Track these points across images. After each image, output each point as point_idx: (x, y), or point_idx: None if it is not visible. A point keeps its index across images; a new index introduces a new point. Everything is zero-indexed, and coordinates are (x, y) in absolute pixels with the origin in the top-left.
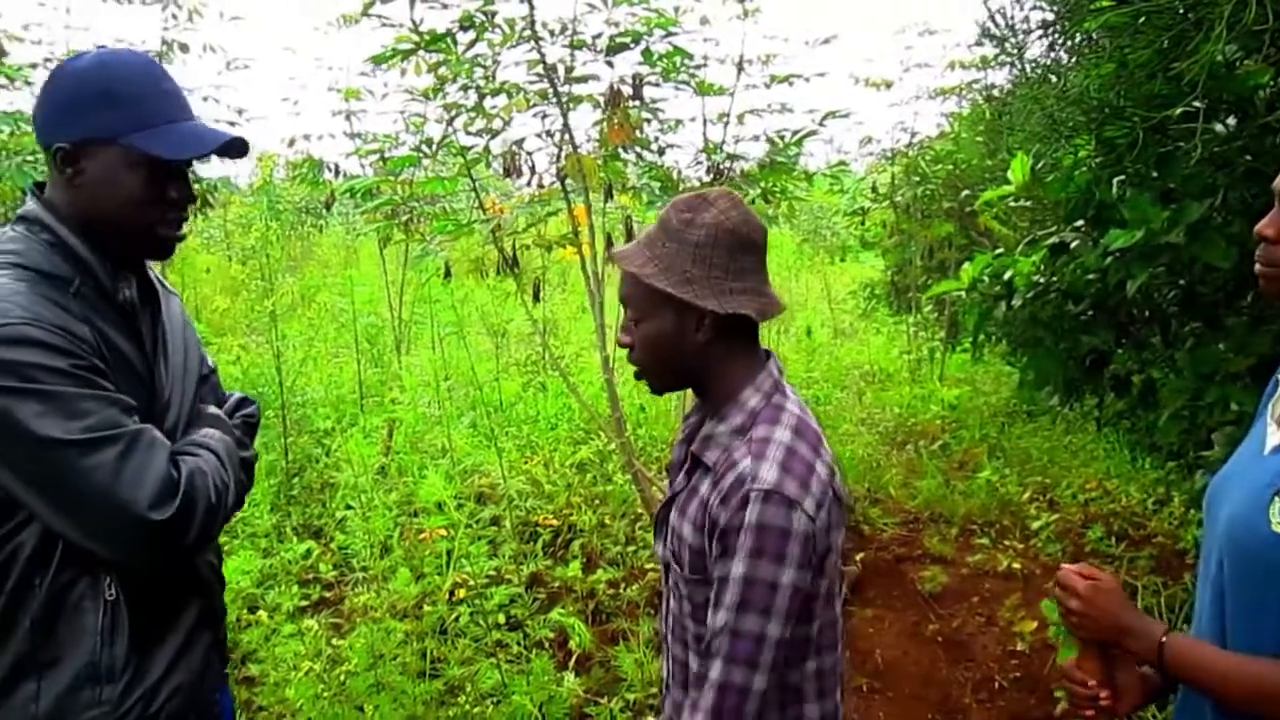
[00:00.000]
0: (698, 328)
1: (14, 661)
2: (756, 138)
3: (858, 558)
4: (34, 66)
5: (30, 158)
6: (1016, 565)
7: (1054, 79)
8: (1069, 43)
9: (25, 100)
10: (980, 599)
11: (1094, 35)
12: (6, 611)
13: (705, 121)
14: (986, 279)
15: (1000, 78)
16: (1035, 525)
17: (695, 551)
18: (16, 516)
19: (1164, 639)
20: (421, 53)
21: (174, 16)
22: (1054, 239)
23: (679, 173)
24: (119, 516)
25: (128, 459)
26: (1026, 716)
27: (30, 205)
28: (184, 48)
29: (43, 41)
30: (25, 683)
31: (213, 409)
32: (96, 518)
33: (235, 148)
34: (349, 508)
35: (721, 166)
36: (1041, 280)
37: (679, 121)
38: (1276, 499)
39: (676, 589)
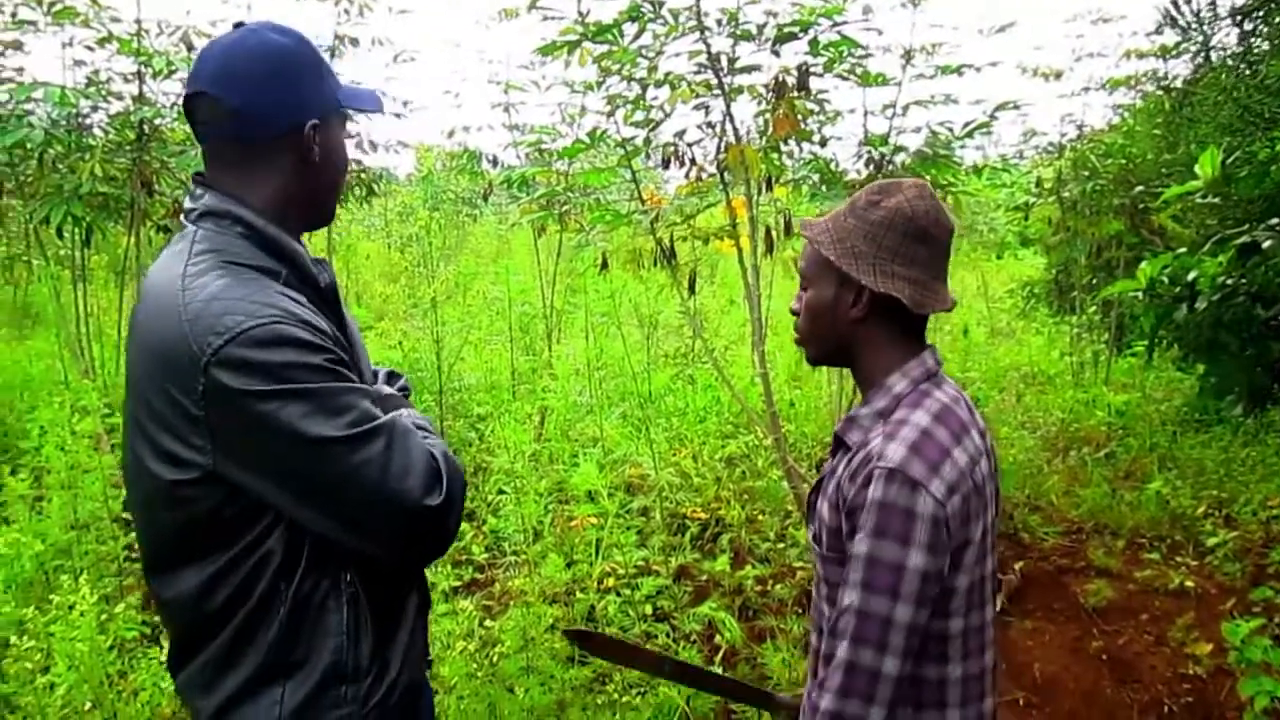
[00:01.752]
0: (855, 302)
1: (258, 668)
2: (918, 129)
3: (1016, 566)
4: None
5: None
6: (1190, 583)
7: (1247, 67)
8: (1266, 29)
9: None
10: (1149, 617)
11: None
12: (252, 619)
13: (866, 113)
14: (1166, 280)
15: (1181, 67)
16: (1211, 542)
17: (832, 530)
18: (259, 524)
19: None
20: (586, 44)
21: (345, 11)
22: (1244, 238)
23: (838, 165)
24: (394, 509)
25: (392, 450)
26: None
27: (211, 200)
28: (354, 42)
29: None
30: (270, 688)
31: (385, 388)
32: (370, 513)
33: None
34: (501, 492)
35: (883, 159)
36: (1229, 282)
37: (838, 113)
38: None
39: (818, 572)
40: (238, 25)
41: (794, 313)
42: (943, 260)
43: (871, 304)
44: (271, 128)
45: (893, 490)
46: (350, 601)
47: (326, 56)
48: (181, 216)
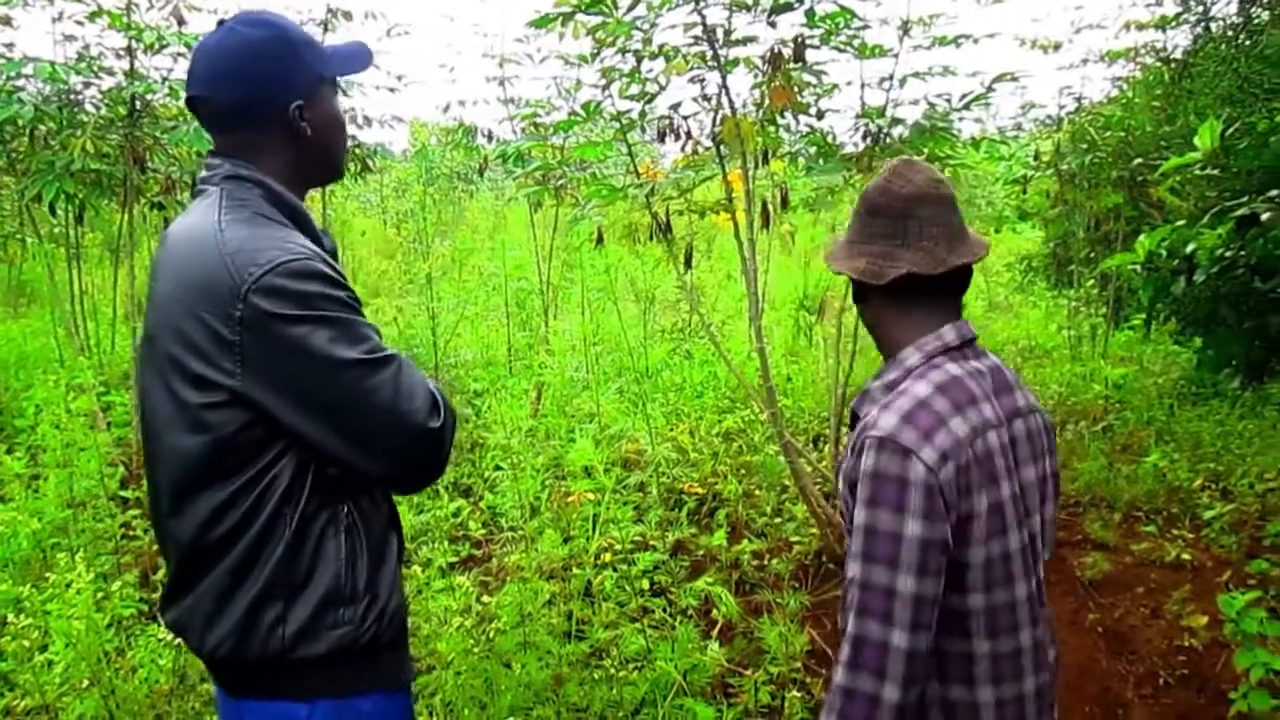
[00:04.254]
0: (854, 293)
1: (262, 589)
2: (916, 102)
3: None
4: None
5: None
6: (1186, 556)
7: (1247, 38)
8: None
9: None
10: (1145, 589)
11: None
12: (257, 543)
13: (863, 85)
14: (1164, 252)
15: (1181, 38)
16: (1207, 515)
17: (847, 503)
18: (271, 451)
19: None
20: (580, 16)
21: None
22: (1243, 210)
23: (835, 138)
24: (402, 427)
25: (400, 376)
26: (1195, 717)
27: (231, 167)
28: (347, 15)
29: (218, 11)
30: (270, 609)
31: None
32: (380, 431)
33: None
34: (498, 468)
35: (880, 131)
36: (1228, 255)
37: (835, 86)
38: None
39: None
40: (221, 23)
41: None
42: (898, 226)
43: (859, 288)
44: (263, 116)
45: (884, 458)
46: (347, 531)
47: (318, 31)
48: (198, 184)
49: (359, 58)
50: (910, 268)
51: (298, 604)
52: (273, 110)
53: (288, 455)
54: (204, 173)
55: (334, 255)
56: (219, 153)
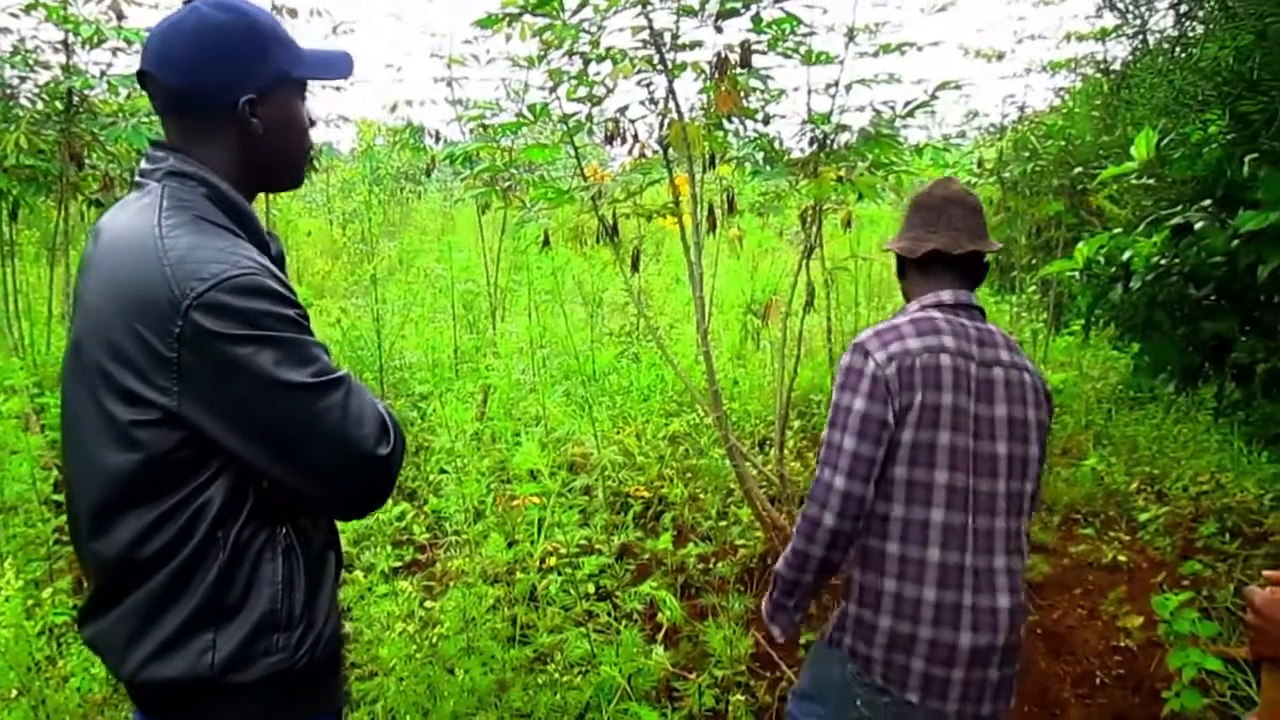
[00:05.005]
0: (898, 269)
1: (192, 614)
2: (862, 108)
3: None
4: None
5: (146, 119)
6: (1122, 558)
7: (1182, 51)
8: (1201, 13)
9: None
10: (1083, 591)
11: (1230, 4)
12: (188, 565)
13: (810, 91)
14: (1102, 259)
15: (1120, 50)
16: (1143, 517)
17: None
18: (206, 471)
19: None
20: (527, 17)
21: None
22: (1177, 219)
23: (781, 143)
24: (348, 454)
25: (350, 400)
26: (1130, 716)
27: (175, 162)
28: (292, 13)
29: (160, 6)
30: (201, 634)
31: None
32: (326, 457)
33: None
34: (443, 472)
35: (827, 138)
36: (1163, 262)
37: (782, 91)
38: None
39: None
40: (186, 1)
41: None
42: (933, 218)
43: (900, 264)
44: (212, 105)
45: (851, 357)
46: (285, 553)
47: None
48: (138, 176)
49: (337, 65)
50: (935, 246)
51: (230, 629)
52: (223, 100)
53: (224, 474)
54: (145, 165)
55: (281, 259)
56: (164, 144)
